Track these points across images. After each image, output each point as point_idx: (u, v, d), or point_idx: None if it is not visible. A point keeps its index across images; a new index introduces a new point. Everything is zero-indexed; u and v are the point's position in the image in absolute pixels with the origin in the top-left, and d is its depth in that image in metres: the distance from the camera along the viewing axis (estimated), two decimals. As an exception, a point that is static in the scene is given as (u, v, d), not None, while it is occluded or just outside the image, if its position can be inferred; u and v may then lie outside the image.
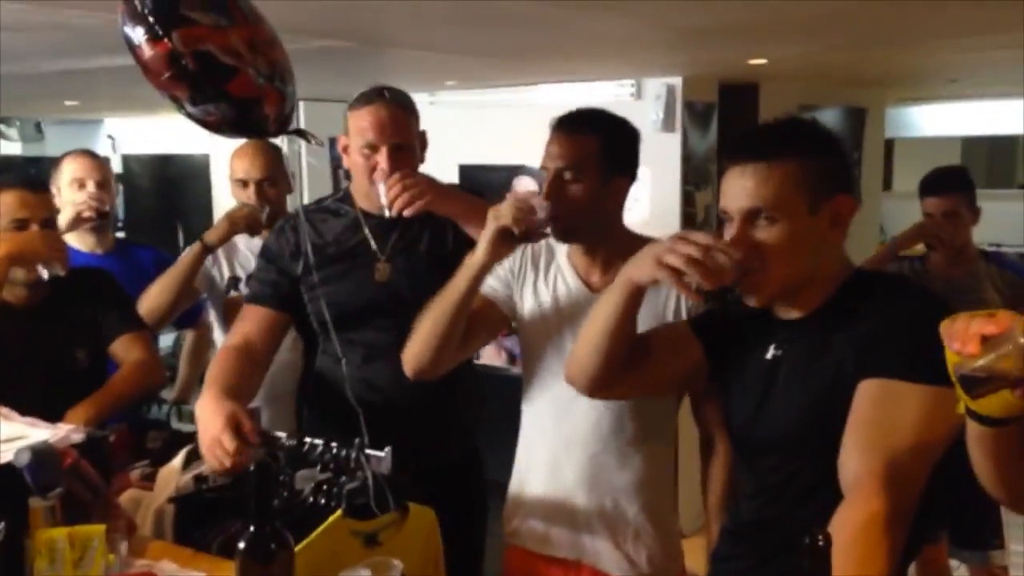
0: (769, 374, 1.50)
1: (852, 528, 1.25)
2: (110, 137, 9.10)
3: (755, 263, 1.40)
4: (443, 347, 1.83)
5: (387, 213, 1.99)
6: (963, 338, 1.09)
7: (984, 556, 2.98)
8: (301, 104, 4.86)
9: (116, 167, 8.64)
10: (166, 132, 8.40)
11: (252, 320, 2.09)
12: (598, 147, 1.80)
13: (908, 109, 9.21)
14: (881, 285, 1.51)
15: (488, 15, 2.77)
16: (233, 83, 1.76)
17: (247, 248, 2.76)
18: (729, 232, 1.42)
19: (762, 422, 1.50)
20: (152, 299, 2.65)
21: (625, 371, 1.61)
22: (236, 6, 1.79)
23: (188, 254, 2.68)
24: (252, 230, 2.64)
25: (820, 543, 1.14)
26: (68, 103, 6.90)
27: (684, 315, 1.82)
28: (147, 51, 1.75)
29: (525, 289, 1.94)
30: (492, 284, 1.93)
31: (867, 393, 1.35)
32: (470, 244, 2.08)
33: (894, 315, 1.40)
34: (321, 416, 2.18)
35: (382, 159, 2.01)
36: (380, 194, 1.99)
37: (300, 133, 2.04)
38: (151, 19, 1.71)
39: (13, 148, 9.03)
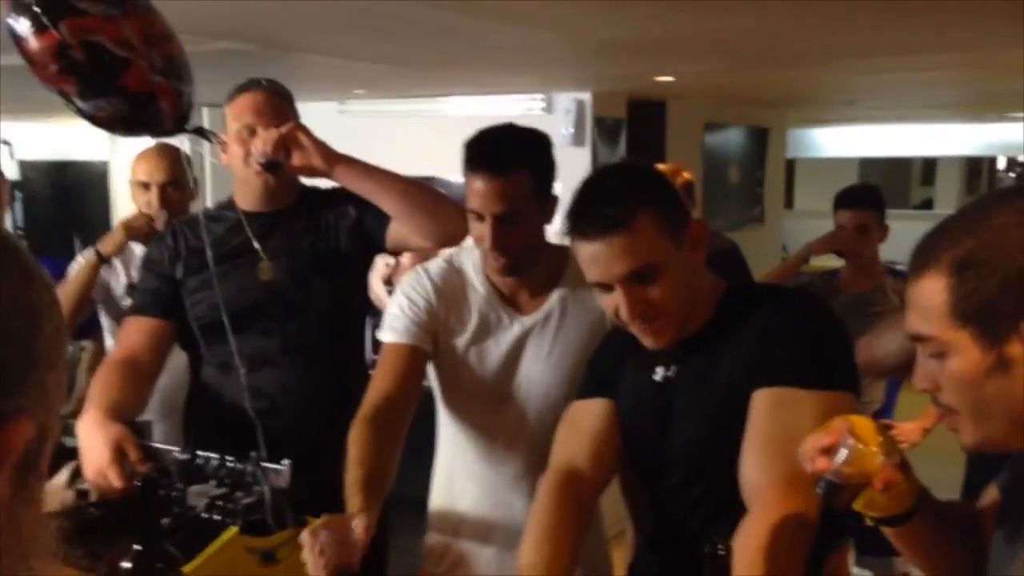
0: (663, 396, 1.50)
1: (756, 540, 1.25)
2: (5, 142, 8.73)
3: (654, 315, 1.42)
4: None
5: (260, 159, 1.90)
6: (810, 457, 1.14)
7: (888, 562, 3.06)
8: (204, 110, 4.73)
9: (12, 174, 8.30)
10: (64, 138, 8.11)
11: (136, 331, 2.00)
12: (530, 179, 1.72)
13: (809, 130, 9.53)
14: (761, 296, 1.53)
15: (395, 22, 2.74)
16: (126, 76, 1.68)
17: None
18: (614, 300, 1.42)
19: (664, 444, 1.49)
20: (66, 305, 2.53)
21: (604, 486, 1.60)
22: (129, -3, 1.71)
23: (83, 266, 2.57)
24: (149, 238, 2.54)
25: (720, 552, 1.14)
26: (-45, 105, 6.58)
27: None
28: (33, 43, 1.66)
29: (447, 321, 1.84)
30: (408, 327, 1.82)
31: (761, 403, 1.36)
32: (358, 241, 2.03)
33: (778, 323, 1.42)
34: (208, 430, 2.09)
35: (259, 133, 1.93)
36: (255, 154, 1.91)
37: (200, 132, 1.96)
38: (37, 9, 1.62)
39: None
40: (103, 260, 2.55)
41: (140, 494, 1.19)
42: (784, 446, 1.29)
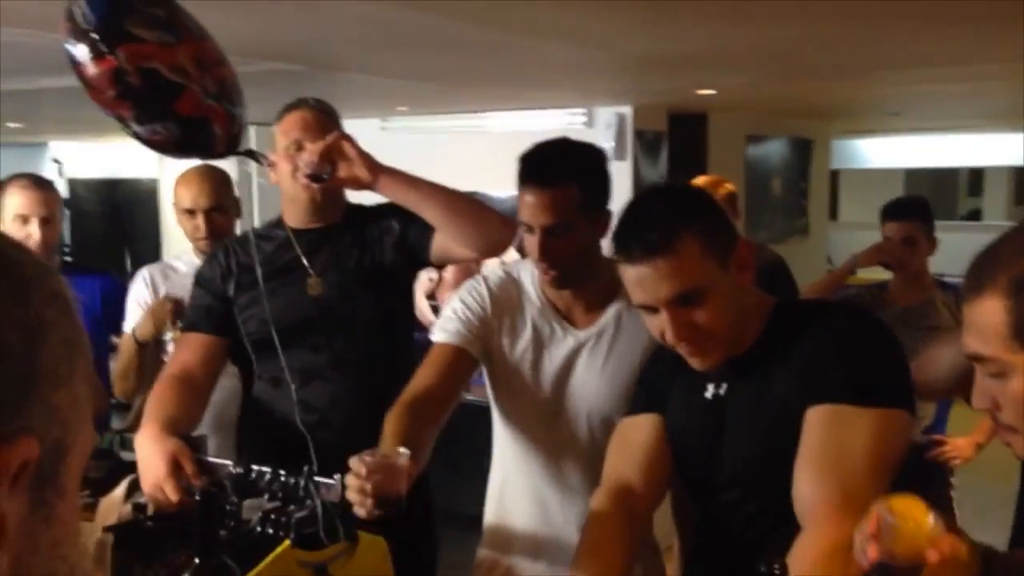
0: (715, 413, 1.49)
1: (811, 558, 1.24)
2: (56, 161, 8.94)
3: (699, 339, 1.41)
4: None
5: (304, 177, 1.91)
6: (861, 549, 1.11)
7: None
8: (252, 129, 4.82)
9: (62, 191, 8.49)
10: (114, 156, 8.29)
11: (190, 347, 2.04)
12: (579, 193, 1.72)
13: (853, 141, 9.43)
14: (812, 312, 1.51)
15: (438, 40, 2.77)
16: (180, 101, 1.72)
17: (191, 274, 2.68)
18: (660, 323, 1.41)
19: (717, 461, 1.48)
20: (118, 386, 2.62)
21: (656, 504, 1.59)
22: (182, 23, 1.76)
23: (125, 352, 2.58)
24: (179, 316, 2.53)
25: (776, 572, 1.13)
26: (11, 125, 6.76)
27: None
28: (91, 69, 1.70)
29: (501, 331, 1.85)
30: (459, 329, 1.83)
31: (815, 421, 1.35)
32: (403, 255, 2.05)
33: (832, 340, 1.41)
34: (260, 444, 2.12)
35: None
36: (301, 166, 1.91)
37: (250, 154, 2.00)
38: (95, 36, 1.67)
39: (-48, 171, 8.82)
40: (142, 345, 2.56)
41: (199, 508, 1.21)
42: (838, 464, 1.29)
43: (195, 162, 2.62)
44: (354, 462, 1.43)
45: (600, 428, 1.80)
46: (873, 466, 1.30)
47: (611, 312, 1.84)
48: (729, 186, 3.71)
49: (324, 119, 2.04)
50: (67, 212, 8.48)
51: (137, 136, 1.81)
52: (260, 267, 2.04)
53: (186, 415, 1.86)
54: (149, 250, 6.79)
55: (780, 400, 1.41)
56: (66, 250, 8.35)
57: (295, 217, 2.10)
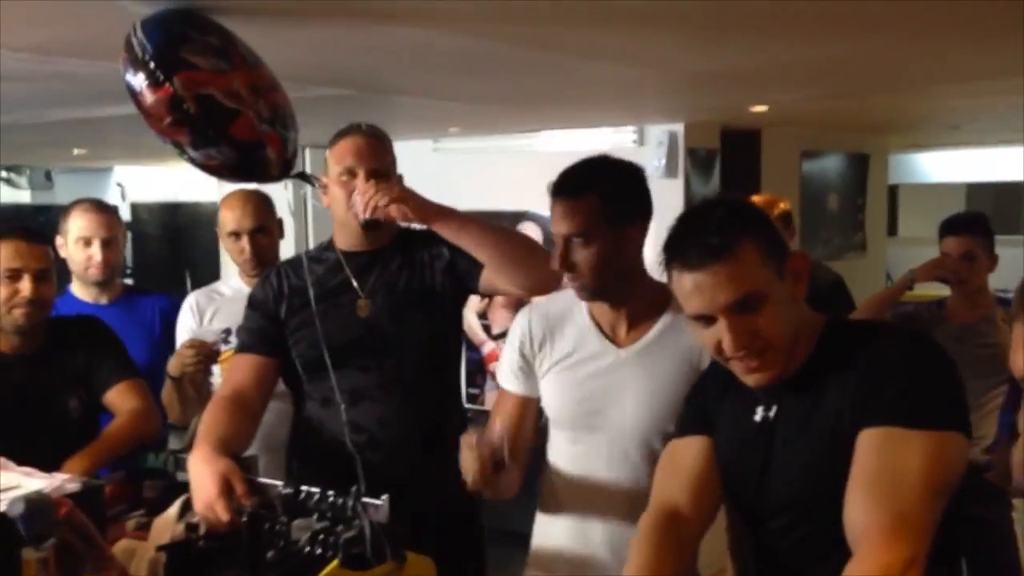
0: (764, 436, 1.46)
1: None
2: (119, 185, 9.17)
3: (760, 348, 1.39)
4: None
5: (361, 217, 1.97)
6: None
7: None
8: (306, 151, 4.89)
9: (124, 215, 8.71)
10: (175, 180, 8.49)
11: (242, 369, 2.09)
12: (599, 204, 1.76)
13: (912, 155, 9.26)
14: (865, 333, 1.48)
15: (491, 63, 2.79)
16: (235, 126, 1.76)
17: (236, 298, 2.70)
18: (717, 333, 1.39)
19: (768, 485, 1.45)
20: (168, 414, 2.64)
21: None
22: (236, 50, 1.80)
23: (166, 384, 2.58)
24: (210, 359, 2.53)
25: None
26: (76, 151, 6.96)
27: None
28: (149, 97, 1.75)
29: (544, 357, 1.90)
30: (517, 376, 1.93)
31: (868, 443, 1.32)
32: (452, 280, 2.09)
33: (885, 361, 1.37)
34: (310, 464, 2.15)
35: (360, 182, 2.02)
36: (356, 207, 1.97)
37: (303, 177, 2.05)
38: (152, 65, 1.72)
39: (22, 196, 9.11)
40: (176, 380, 2.57)
41: (249, 528, 1.23)
42: (891, 488, 1.26)
43: (248, 185, 2.66)
44: (465, 440, 1.69)
45: (641, 447, 1.80)
46: (927, 491, 1.27)
47: (655, 330, 1.84)
48: (784, 205, 3.67)
49: (376, 144, 2.09)
50: (129, 235, 8.68)
51: (193, 161, 1.85)
52: (312, 289, 2.08)
53: (238, 436, 1.90)
54: (209, 272, 6.90)
55: (831, 422, 1.38)
56: (128, 271, 8.55)
57: (346, 240, 2.13)
